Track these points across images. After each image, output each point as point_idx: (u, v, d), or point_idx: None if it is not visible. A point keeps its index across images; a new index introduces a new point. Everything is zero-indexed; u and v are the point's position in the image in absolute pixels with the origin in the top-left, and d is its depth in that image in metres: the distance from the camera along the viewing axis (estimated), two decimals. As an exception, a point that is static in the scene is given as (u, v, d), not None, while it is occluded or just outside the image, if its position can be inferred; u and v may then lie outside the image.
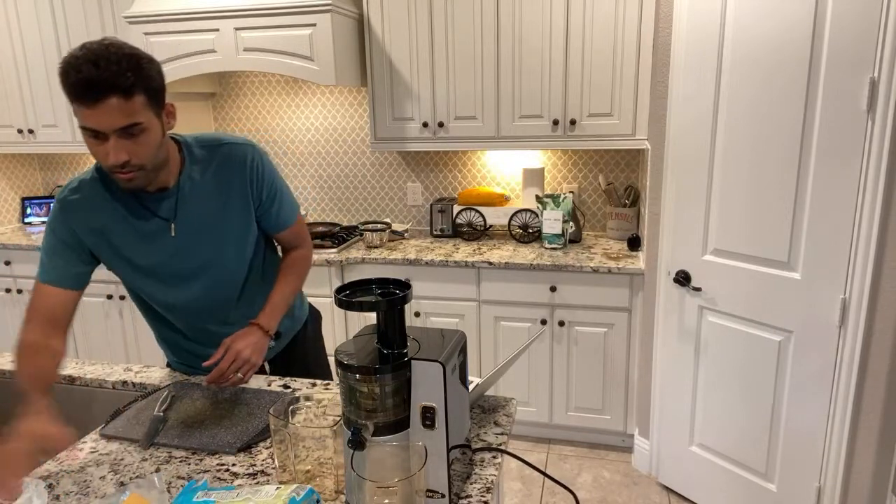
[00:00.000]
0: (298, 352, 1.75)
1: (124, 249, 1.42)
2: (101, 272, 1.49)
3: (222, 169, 1.45)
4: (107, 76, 1.14)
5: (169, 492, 1.08)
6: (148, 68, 1.21)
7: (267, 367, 1.72)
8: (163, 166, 1.35)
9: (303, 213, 2.73)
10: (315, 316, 1.85)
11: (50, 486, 1.15)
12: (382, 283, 1.06)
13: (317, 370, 1.79)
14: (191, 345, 1.61)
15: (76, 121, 3.37)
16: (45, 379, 1.29)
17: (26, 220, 3.90)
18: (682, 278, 2.32)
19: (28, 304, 1.38)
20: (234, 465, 1.21)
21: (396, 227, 3.24)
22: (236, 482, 1.15)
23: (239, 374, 1.45)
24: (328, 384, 1.55)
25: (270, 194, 1.52)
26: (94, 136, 1.20)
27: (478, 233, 3.17)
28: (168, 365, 1.70)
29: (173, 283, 1.47)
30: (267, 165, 1.50)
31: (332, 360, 2.28)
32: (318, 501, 1.02)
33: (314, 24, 2.73)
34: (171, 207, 1.41)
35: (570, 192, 3.15)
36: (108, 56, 1.15)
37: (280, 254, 1.69)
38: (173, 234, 1.41)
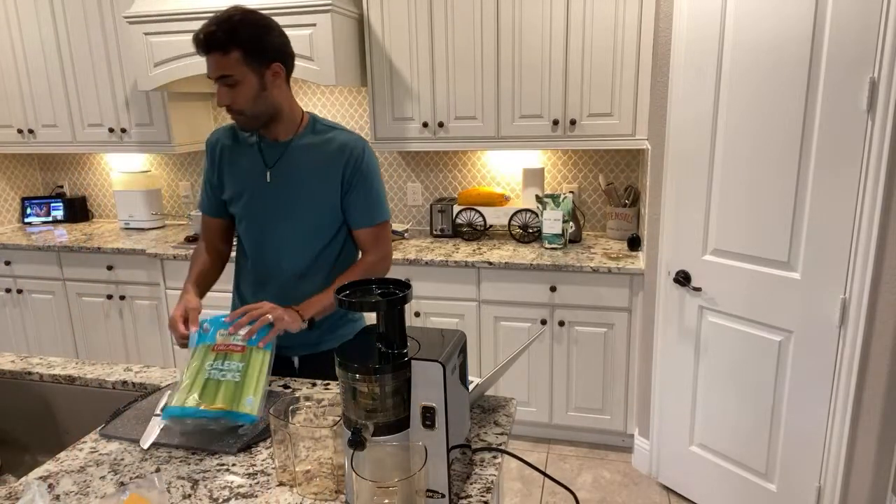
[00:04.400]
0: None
1: (234, 183, 1.64)
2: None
3: (331, 146, 1.61)
4: (208, 36, 1.44)
5: (169, 492, 1.08)
6: (245, 31, 1.45)
7: (296, 362, 1.72)
8: (273, 119, 1.56)
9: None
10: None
11: (50, 487, 1.15)
12: (382, 283, 1.06)
13: None
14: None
15: (76, 120, 3.40)
16: (205, 275, 1.68)
17: (26, 219, 3.90)
18: (682, 278, 2.32)
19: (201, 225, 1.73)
20: (234, 465, 1.21)
21: (396, 227, 3.24)
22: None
23: (250, 326, 1.41)
24: (328, 384, 1.55)
25: (357, 183, 1.60)
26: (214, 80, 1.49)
27: (478, 233, 3.17)
28: None
29: (259, 225, 1.64)
30: (369, 162, 1.62)
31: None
32: (271, 325, 1.37)
33: (314, 25, 2.73)
34: (274, 157, 1.61)
35: (570, 192, 3.15)
36: (217, 20, 1.45)
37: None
38: (268, 179, 1.61)
